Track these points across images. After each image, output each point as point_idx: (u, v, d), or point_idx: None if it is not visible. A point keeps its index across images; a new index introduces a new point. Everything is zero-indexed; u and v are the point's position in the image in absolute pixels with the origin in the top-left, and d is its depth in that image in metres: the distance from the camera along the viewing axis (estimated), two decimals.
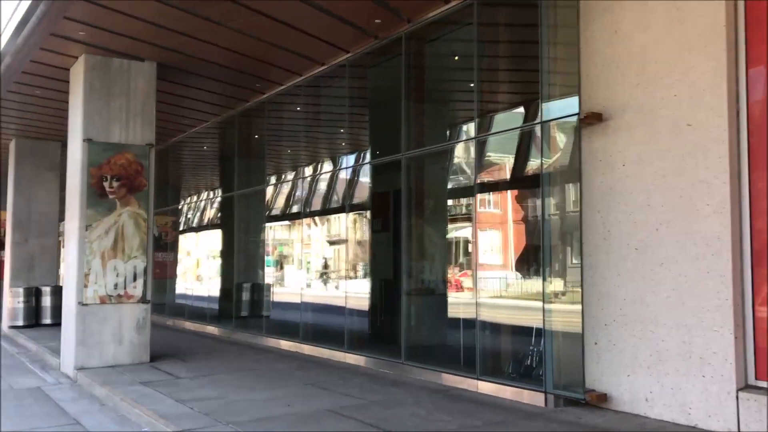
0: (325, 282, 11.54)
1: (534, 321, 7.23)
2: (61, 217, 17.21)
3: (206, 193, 16.83)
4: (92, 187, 9.73)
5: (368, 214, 10.36)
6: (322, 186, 11.66)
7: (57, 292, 15.91)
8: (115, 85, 9.96)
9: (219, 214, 15.19)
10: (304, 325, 11.06)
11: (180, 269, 17.76)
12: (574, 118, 6.65)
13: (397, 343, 9.44)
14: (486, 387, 7.29)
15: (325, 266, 11.80)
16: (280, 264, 13.30)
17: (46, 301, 15.83)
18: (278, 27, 8.73)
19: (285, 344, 11.23)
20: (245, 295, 13.83)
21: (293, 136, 13.13)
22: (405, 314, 8.76)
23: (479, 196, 7.86)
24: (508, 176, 8.02)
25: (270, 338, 11.76)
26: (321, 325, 11.16)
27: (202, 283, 15.99)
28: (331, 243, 11.81)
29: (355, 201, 10.55)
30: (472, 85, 8.03)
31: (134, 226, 9.98)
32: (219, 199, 15.07)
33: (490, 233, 8.09)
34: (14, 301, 15.52)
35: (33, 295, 15.69)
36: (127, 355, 9.85)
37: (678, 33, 5.95)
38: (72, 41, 9.33)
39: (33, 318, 15.61)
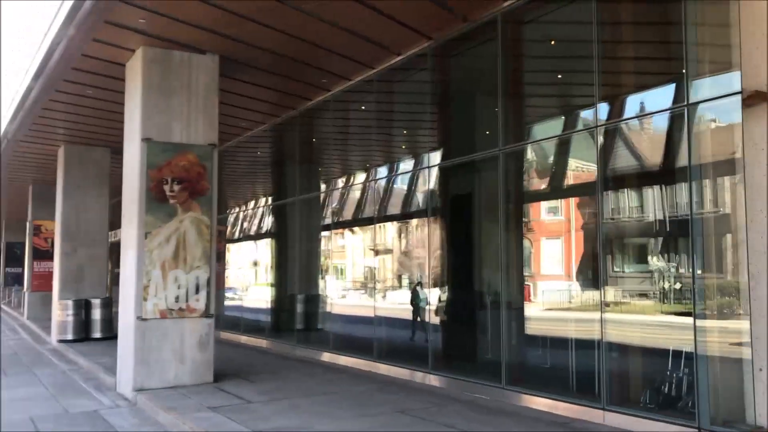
0: (400, 294, 10.51)
1: (671, 340, 6.14)
2: (111, 227, 16.65)
3: (260, 200, 15.95)
4: (151, 191, 8.91)
5: (450, 218, 9.33)
6: (395, 189, 10.68)
7: (107, 305, 15.28)
8: (175, 80, 9.16)
9: (274, 222, 14.30)
10: (378, 342, 10.06)
11: (231, 280, 16.94)
12: (729, 100, 5.57)
13: (475, 361, 8.46)
14: (616, 420, 6.20)
15: (401, 277, 10.80)
16: (346, 275, 12.35)
17: (96, 314, 15.13)
18: (352, 8, 7.78)
19: (356, 362, 10.25)
20: (306, 308, 12.91)
21: (360, 137, 12.20)
22: (505, 332, 7.71)
23: (605, 193, 6.75)
24: (641, 170, 6.90)
25: (338, 355, 10.80)
26: (398, 341, 10.17)
27: (257, 295, 15.12)
28: (404, 252, 10.81)
29: (436, 204, 9.54)
30: (556, 74, 7.02)
31: (197, 234, 9.13)
32: (274, 206, 14.18)
33: (619, 237, 6.99)
34: (63, 314, 14.84)
35: (82, 307, 14.99)
36: (189, 375, 8.98)
37: None
38: (129, 30, 8.54)
39: (82, 332, 14.91)
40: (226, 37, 8.78)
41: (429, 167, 9.51)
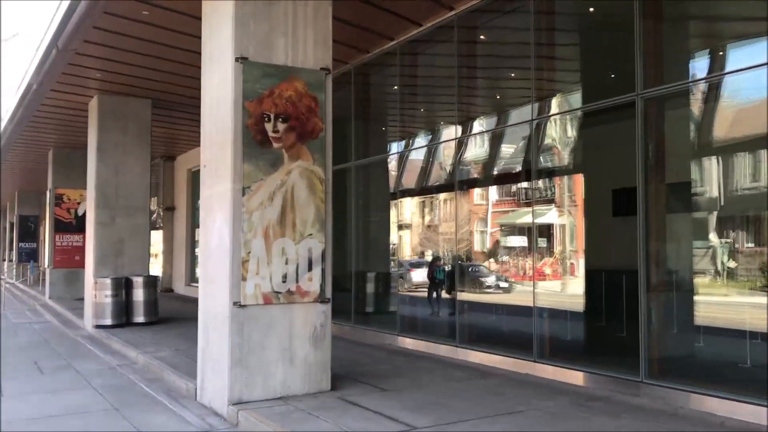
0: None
1: None
2: (153, 192, 14.24)
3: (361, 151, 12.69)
4: (249, 129, 6.47)
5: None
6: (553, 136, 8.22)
7: (151, 284, 12.94)
8: None
9: (364, 184, 11.67)
10: (539, 337, 7.63)
11: None
12: None
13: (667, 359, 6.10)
14: None
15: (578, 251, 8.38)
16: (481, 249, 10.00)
17: (138, 294, 12.79)
18: None
19: (500, 360, 7.88)
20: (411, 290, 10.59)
21: (484, 73, 9.70)
22: None
23: None
24: None
25: (471, 351, 8.41)
26: (570, 337, 7.80)
27: (342, 271, 12.64)
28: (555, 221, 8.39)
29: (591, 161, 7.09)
30: None
31: (308, 190, 6.70)
32: (360, 165, 11.57)
33: None
34: (101, 294, 12.45)
35: (122, 287, 12.63)
36: (301, 381, 6.61)
37: None
38: None
39: (123, 315, 12.56)
40: None
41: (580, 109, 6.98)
